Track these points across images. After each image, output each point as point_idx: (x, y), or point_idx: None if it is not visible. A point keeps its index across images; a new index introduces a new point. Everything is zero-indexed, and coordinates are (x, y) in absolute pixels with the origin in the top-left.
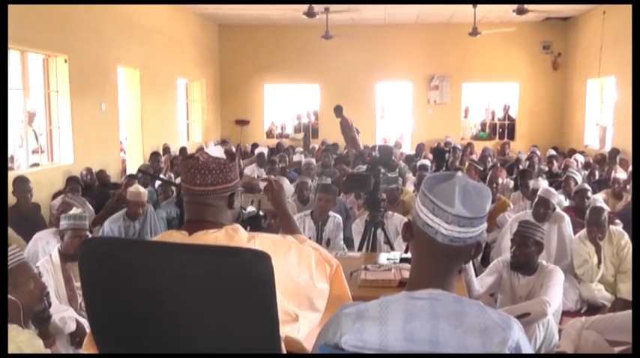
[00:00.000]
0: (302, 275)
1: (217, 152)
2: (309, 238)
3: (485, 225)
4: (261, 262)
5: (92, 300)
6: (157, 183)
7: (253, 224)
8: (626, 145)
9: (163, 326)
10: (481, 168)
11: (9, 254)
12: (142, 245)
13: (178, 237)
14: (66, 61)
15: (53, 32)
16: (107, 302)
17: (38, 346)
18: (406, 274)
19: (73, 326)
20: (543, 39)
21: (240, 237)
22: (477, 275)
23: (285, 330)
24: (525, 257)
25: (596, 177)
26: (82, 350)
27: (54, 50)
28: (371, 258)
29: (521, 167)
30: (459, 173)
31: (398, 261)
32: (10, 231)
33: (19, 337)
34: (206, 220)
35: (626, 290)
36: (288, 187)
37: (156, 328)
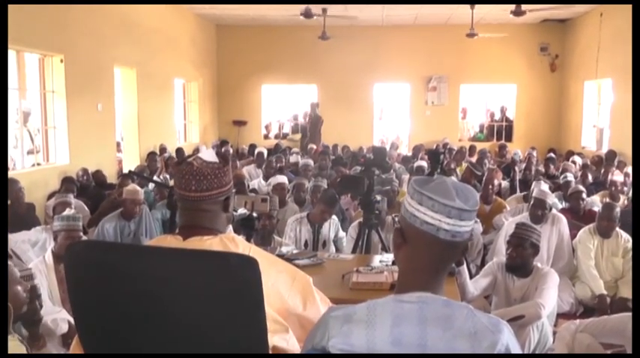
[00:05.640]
0: (292, 299)
1: (210, 155)
2: (306, 240)
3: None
4: (248, 266)
5: (78, 304)
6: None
7: (247, 226)
8: (623, 147)
9: (149, 329)
10: (479, 173)
11: None
12: (129, 248)
13: (173, 241)
14: (62, 60)
15: (49, 32)
16: (93, 306)
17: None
18: None
19: (65, 328)
20: (541, 41)
21: (235, 247)
22: (472, 278)
23: (274, 340)
24: (521, 259)
25: (589, 178)
26: (70, 351)
27: (50, 50)
28: (364, 260)
29: (517, 168)
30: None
31: (390, 263)
32: None
33: None
34: (201, 226)
35: (627, 289)
36: (288, 186)
37: (142, 331)
